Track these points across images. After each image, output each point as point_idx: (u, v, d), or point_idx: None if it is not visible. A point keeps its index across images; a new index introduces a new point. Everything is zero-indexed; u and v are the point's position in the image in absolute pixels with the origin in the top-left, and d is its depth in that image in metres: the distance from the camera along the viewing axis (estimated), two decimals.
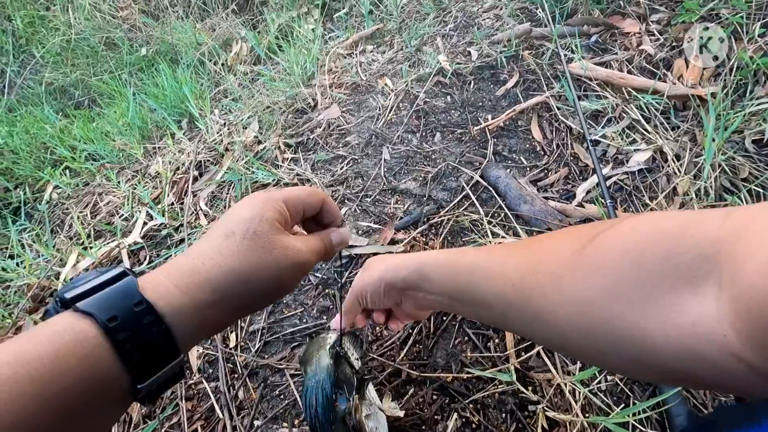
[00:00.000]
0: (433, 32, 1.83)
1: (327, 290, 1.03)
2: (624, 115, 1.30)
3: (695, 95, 1.28)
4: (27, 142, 2.14)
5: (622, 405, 0.79)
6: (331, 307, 1.00)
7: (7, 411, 0.26)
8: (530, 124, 1.35)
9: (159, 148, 1.77)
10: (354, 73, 1.72)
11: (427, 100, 1.49)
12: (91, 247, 1.30)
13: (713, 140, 1.10)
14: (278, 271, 0.40)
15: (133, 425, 0.88)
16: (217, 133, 1.65)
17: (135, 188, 1.53)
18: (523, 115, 1.39)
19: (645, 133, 1.24)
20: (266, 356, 0.94)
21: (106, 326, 0.32)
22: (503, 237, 1.06)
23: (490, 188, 1.19)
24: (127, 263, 1.24)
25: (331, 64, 1.81)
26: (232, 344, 0.97)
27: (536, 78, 1.48)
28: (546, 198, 1.16)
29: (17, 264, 1.30)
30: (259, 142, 1.52)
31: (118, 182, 1.61)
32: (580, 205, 1.12)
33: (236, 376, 0.92)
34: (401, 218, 1.16)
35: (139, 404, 0.85)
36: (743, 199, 1.04)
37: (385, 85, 1.60)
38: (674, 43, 1.44)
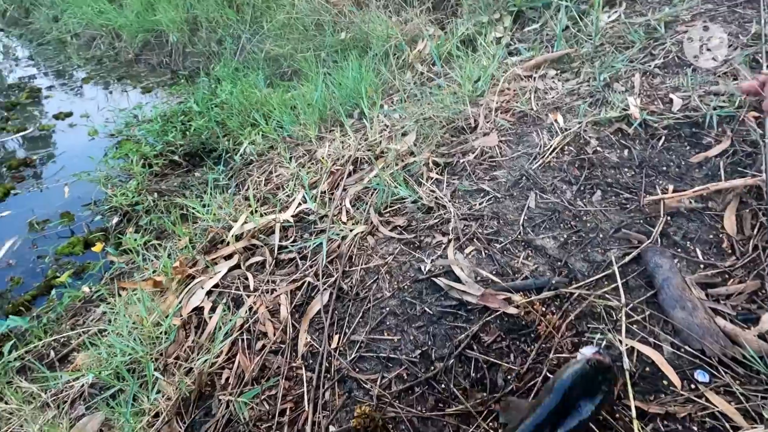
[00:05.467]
0: (632, 67, 1.59)
1: (426, 326, 1.05)
2: None
3: None
4: (240, 101, 2.62)
5: None
6: (429, 343, 1.02)
7: None
8: (725, 210, 1.10)
9: (328, 135, 1.98)
10: (525, 100, 1.62)
11: (598, 149, 1.33)
12: (257, 213, 1.55)
13: None
14: None
15: (243, 382, 1.06)
16: (379, 133, 1.77)
17: (301, 169, 1.75)
18: (719, 195, 1.13)
19: None
20: (357, 370, 1.01)
21: None
22: (637, 342, 0.91)
23: (644, 276, 1.02)
24: (277, 237, 1.45)
25: (504, 84, 1.74)
26: (333, 345, 1.07)
27: (754, 152, 1.18)
28: (714, 311, 0.94)
29: (203, 206, 1.62)
30: (412, 154, 1.58)
31: (290, 158, 1.87)
32: (762, 336, 0.89)
33: (328, 377, 1.02)
34: (526, 277, 1.08)
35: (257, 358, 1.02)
36: None
37: (555, 121, 1.47)
38: None
